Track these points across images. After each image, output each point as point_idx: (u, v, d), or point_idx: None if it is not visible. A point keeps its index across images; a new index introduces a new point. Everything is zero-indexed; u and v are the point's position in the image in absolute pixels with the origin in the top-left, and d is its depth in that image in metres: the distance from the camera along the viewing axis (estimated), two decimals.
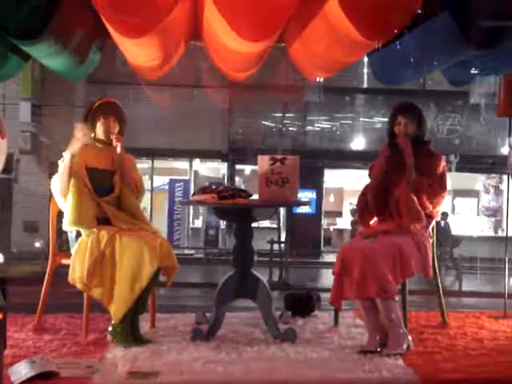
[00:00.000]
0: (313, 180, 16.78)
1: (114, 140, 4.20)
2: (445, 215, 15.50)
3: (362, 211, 4.36)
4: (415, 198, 4.13)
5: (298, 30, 4.49)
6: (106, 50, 5.14)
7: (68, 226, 4.08)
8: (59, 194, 4.11)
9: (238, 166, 18.61)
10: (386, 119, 4.45)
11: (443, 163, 4.28)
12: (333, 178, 19.67)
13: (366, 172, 4.46)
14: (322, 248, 18.54)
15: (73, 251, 4.11)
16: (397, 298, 3.99)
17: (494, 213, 18.88)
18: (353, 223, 19.64)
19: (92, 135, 4.26)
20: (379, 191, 4.26)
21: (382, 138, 4.43)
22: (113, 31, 4.06)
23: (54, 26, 4.04)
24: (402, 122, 4.26)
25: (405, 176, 4.16)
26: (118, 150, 4.21)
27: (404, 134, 4.24)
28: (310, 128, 18.05)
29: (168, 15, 3.80)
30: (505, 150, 15.12)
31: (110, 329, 4.03)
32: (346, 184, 20.57)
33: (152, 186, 18.28)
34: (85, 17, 4.35)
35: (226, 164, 18.48)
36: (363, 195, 4.35)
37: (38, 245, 13.81)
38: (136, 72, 5.32)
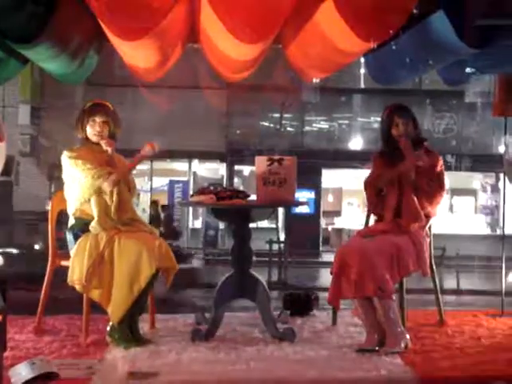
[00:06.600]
0: (311, 180, 16.80)
1: (104, 144, 4.21)
2: (166, 208, 15.98)
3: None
4: (415, 199, 4.16)
5: (294, 31, 4.51)
6: (104, 53, 5.15)
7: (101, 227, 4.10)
8: (111, 188, 4.12)
9: (236, 167, 18.62)
10: None
11: (441, 162, 4.29)
12: (331, 177, 19.66)
13: (363, 172, 4.45)
14: (321, 247, 18.54)
15: (72, 253, 4.13)
16: (394, 296, 4.02)
17: (491, 211, 18.88)
18: None
19: (84, 137, 4.27)
20: (378, 195, 4.28)
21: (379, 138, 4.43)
22: (110, 34, 4.07)
23: (51, 29, 4.05)
24: (400, 123, 4.26)
25: (404, 177, 4.18)
26: (109, 152, 4.22)
27: (404, 134, 4.25)
28: (307, 128, 18.07)
29: (165, 18, 3.81)
30: (501, 149, 15.12)
31: (109, 330, 4.06)
32: (345, 184, 20.57)
33: (151, 188, 18.30)
34: (82, 20, 4.36)
35: (224, 165, 18.49)
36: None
37: (37, 246, 13.79)
38: (134, 74, 5.34)
